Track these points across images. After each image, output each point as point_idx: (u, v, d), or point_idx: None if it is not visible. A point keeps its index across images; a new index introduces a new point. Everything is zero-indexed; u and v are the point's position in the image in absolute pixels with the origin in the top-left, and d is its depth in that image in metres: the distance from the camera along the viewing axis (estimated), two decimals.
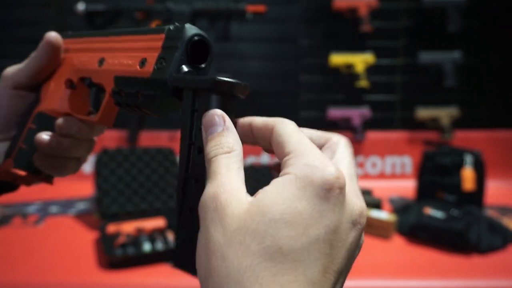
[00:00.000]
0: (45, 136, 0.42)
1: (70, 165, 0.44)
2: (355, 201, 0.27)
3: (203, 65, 0.34)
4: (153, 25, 1.95)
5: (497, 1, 2.01)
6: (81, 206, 1.72)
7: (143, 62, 0.35)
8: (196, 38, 0.33)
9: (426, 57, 1.98)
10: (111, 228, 1.38)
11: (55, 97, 0.43)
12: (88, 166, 2.01)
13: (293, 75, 2.07)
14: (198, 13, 1.96)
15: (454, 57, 1.98)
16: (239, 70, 2.06)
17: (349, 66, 2.00)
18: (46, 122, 0.43)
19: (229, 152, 0.29)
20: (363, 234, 0.28)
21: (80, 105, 0.43)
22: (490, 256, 1.31)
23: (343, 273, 0.26)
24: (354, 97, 2.06)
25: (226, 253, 0.24)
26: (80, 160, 0.46)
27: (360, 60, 1.98)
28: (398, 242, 1.41)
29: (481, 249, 1.32)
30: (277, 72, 2.07)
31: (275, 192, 0.25)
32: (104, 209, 1.51)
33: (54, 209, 1.68)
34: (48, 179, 0.46)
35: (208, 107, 0.29)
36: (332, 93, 2.07)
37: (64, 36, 0.45)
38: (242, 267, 0.23)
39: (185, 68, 0.32)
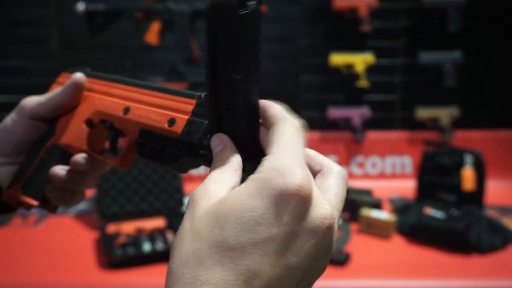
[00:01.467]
0: (60, 170, 0.44)
1: (78, 198, 0.46)
2: (322, 214, 0.27)
3: None
4: (154, 25, 1.95)
5: (497, 1, 2.01)
6: (81, 206, 1.72)
7: (171, 122, 0.36)
8: None
9: (426, 57, 1.98)
10: (111, 228, 1.38)
11: (72, 133, 0.44)
12: None
13: (293, 75, 2.07)
14: (198, 13, 1.96)
15: (454, 57, 1.98)
16: None
17: (349, 66, 2.00)
18: (59, 155, 0.45)
19: (224, 164, 0.30)
20: (334, 234, 0.28)
21: (96, 144, 0.45)
22: (490, 256, 1.31)
23: (307, 272, 0.26)
24: (354, 97, 2.06)
25: (186, 236, 0.26)
26: (85, 193, 0.48)
27: (360, 60, 1.98)
28: (398, 242, 1.41)
29: (481, 249, 1.32)
30: (277, 72, 2.07)
31: (237, 189, 0.27)
32: (104, 209, 1.51)
33: None
34: (54, 209, 0.48)
35: None
36: (332, 93, 2.07)
37: (85, 74, 0.46)
38: (191, 250, 0.25)
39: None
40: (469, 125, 2.05)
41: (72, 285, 1.16)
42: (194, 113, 0.35)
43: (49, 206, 0.47)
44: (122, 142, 0.43)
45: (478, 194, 1.56)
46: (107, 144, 0.45)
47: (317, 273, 0.28)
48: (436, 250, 1.34)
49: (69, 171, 0.44)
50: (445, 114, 2.01)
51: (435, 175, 1.60)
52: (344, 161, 2.07)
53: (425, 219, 1.40)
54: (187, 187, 1.76)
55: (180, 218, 1.73)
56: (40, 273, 1.20)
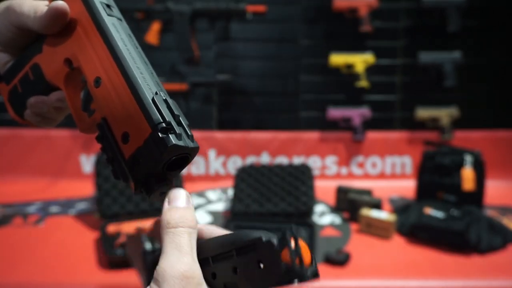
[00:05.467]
0: (38, 103, 0.43)
1: (56, 121, 0.46)
2: None
3: (172, 174, 0.35)
4: (154, 25, 1.95)
5: (497, 1, 2.01)
6: (81, 206, 1.72)
7: (125, 137, 0.34)
8: (177, 154, 0.33)
9: (426, 57, 1.99)
10: (111, 228, 1.38)
11: (52, 66, 0.41)
12: (88, 166, 2.01)
13: (293, 75, 2.07)
14: (198, 13, 1.96)
15: (453, 57, 1.98)
16: (239, 70, 2.06)
17: (349, 66, 2.00)
18: (39, 79, 0.42)
19: (192, 228, 0.32)
20: None
21: (74, 84, 0.41)
22: (490, 256, 1.31)
23: None
24: (354, 97, 2.06)
25: None
26: (66, 113, 0.46)
27: (360, 60, 1.98)
28: (398, 242, 1.41)
29: (481, 249, 1.32)
30: (277, 72, 2.07)
31: None
32: (104, 209, 1.51)
33: (54, 209, 1.68)
34: (27, 123, 0.46)
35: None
36: (332, 93, 2.07)
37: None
38: None
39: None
40: (469, 125, 2.06)
41: (72, 284, 1.16)
42: (145, 143, 0.32)
43: (25, 121, 0.45)
44: None
45: (478, 194, 1.56)
46: None
47: None
48: (436, 250, 1.34)
49: (47, 103, 0.42)
50: (445, 114, 2.02)
51: (435, 175, 1.60)
52: (344, 161, 2.07)
53: (425, 219, 1.40)
54: (187, 186, 1.76)
55: None
56: (40, 273, 1.20)
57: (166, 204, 0.33)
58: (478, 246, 1.32)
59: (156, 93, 0.34)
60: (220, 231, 0.36)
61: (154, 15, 1.95)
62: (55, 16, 0.38)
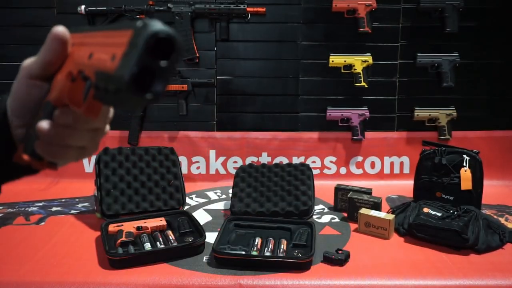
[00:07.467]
0: (45, 124, 0.44)
1: (70, 154, 0.46)
2: None
3: (163, 63, 0.34)
4: None
5: (495, 2, 2.02)
6: (82, 205, 1.73)
7: (113, 58, 0.35)
8: (159, 35, 0.33)
9: (424, 58, 2.00)
10: (112, 227, 1.39)
11: (58, 88, 0.45)
12: (89, 166, 2.02)
13: (293, 75, 2.08)
14: (199, 14, 1.97)
15: (452, 58, 1.99)
16: (239, 70, 2.07)
17: (349, 67, 2.01)
18: (51, 112, 0.45)
19: None
20: None
21: (78, 97, 0.44)
22: (488, 255, 1.32)
23: None
24: (353, 98, 2.07)
25: None
26: (85, 149, 0.47)
27: (359, 61, 2.00)
28: (396, 241, 1.42)
29: (478, 248, 1.33)
30: (277, 72, 2.08)
31: None
32: (105, 209, 1.52)
33: (56, 208, 1.70)
34: (51, 166, 0.48)
35: None
36: (331, 93, 2.09)
37: (71, 30, 0.46)
38: None
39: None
40: (467, 126, 2.07)
41: (73, 284, 1.17)
42: (129, 44, 0.34)
43: (43, 162, 0.47)
44: None
45: (475, 194, 1.57)
46: None
47: None
48: (434, 249, 1.35)
49: (54, 125, 0.44)
50: (443, 114, 2.03)
51: (433, 175, 1.61)
52: (343, 161, 2.08)
53: (423, 218, 1.41)
54: (188, 186, 1.77)
55: (181, 217, 1.71)
56: (41, 272, 1.21)
57: None
58: (476, 245, 1.33)
59: None
60: None
61: (155, 16, 1.96)
62: (56, 39, 0.44)
